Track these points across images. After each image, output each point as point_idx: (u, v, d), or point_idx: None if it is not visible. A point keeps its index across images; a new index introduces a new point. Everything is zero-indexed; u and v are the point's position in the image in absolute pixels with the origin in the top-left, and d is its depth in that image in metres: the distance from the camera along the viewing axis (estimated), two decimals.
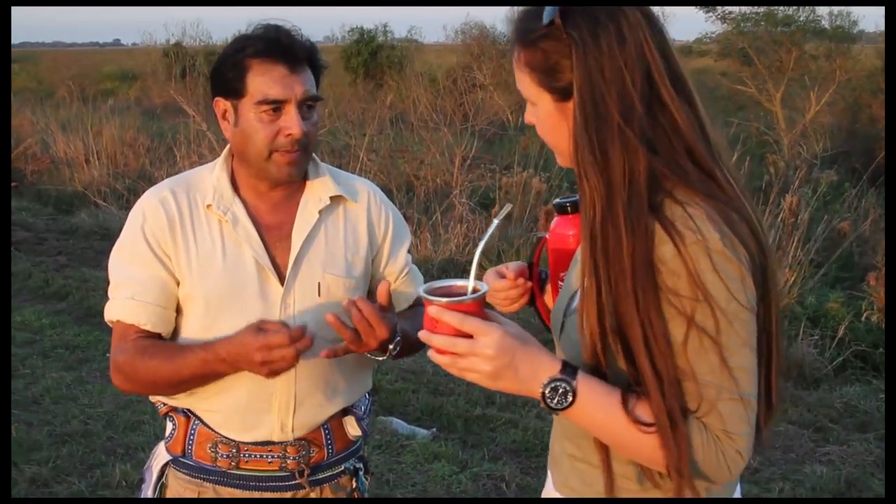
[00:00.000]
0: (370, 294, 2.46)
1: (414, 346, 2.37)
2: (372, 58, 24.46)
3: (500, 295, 2.15)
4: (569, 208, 2.05)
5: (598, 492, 1.74)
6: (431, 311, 1.60)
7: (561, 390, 1.57)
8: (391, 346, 2.22)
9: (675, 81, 1.62)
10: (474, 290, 1.62)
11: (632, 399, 1.57)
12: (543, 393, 1.57)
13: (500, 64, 19.81)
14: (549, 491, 1.93)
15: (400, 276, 2.50)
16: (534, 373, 1.58)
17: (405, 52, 24.81)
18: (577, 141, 1.61)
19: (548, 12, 1.60)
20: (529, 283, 2.16)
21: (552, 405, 1.58)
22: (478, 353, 1.56)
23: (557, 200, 2.09)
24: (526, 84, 1.69)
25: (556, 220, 2.09)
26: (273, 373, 2.08)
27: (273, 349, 2.03)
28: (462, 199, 9.61)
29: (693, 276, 1.52)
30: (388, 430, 5.31)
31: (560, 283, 1.96)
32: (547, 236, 2.11)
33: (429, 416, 5.67)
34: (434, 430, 5.43)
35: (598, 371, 1.62)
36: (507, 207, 1.83)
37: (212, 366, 2.15)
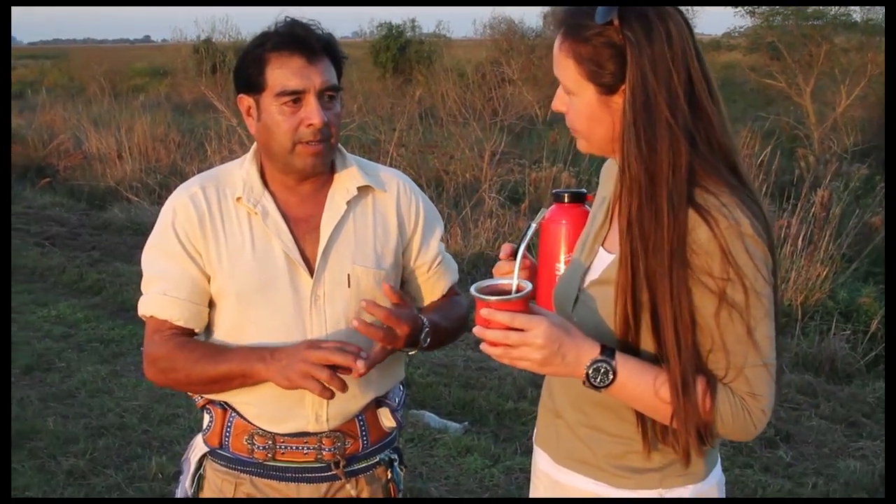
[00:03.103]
0: (403, 284, 2.48)
1: (445, 337, 2.43)
2: (401, 53, 24.48)
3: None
4: (566, 198, 2.14)
5: (601, 455, 1.92)
6: (484, 312, 1.74)
7: (603, 370, 1.75)
8: (421, 338, 2.24)
9: (708, 83, 1.78)
10: (518, 289, 1.78)
11: (660, 377, 1.75)
12: (587, 373, 1.76)
13: (529, 59, 19.81)
14: (545, 468, 2.07)
15: (432, 266, 2.50)
16: (578, 357, 1.75)
17: (434, 47, 24.75)
18: (625, 133, 1.75)
19: (604, 12, 1.73)
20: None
21: (595, 383, 1.76)
22: (529, 343, 1.72)
23: (557, 190, 2.19)
24: (570, 74, 1.81)
25: (552, 207, 2.16)
26: (297, 385, 2.11)
27: (322, 364, 2.08)
28: (491, 193, 9.60)
29: (727, 256, 1.69)
30: (420, 424, 5.31)
31: (558, 264, 2.10)
32: (542, 223, 2.17)
33: (461, 409, 5.67)
34: (466, 423, 5.43)
35: (626, 339, 1.80)
36: (543, 212, 2.07)
37: (251, 362, 2.17)
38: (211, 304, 2.33)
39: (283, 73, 2.21)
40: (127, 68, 32.54)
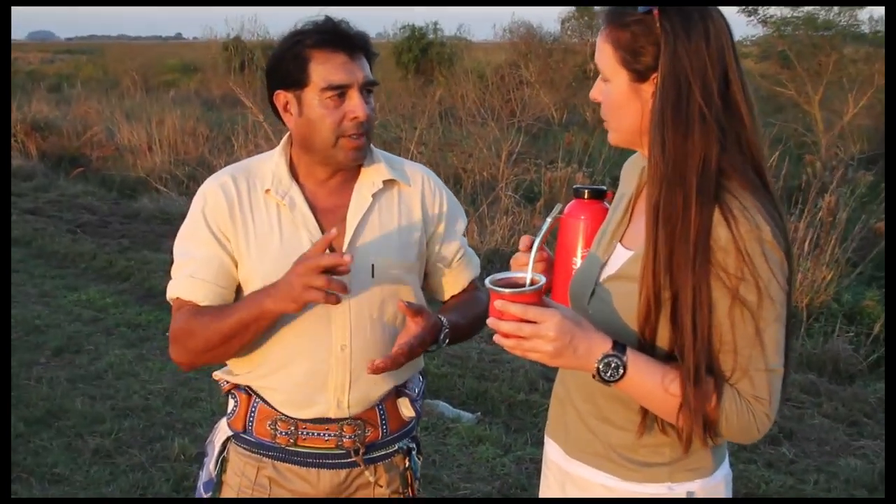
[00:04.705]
0: (426, 277, 2.48)
1: (464, 334, 2.42)
2: (422, 54, 24.45)
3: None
4: (586, 194, 2.12)
5: (610, 447, 1.91)
6: (497, 304, 1.71)
7: (613, 365, 1.73)
8: (440, 338, 2.25)
9: (743, 85, 1.76)
10: (532, 282, 1.76)
11: (669, 374, 1.73)
12: (598, 368, 1.73)
13: (547, 62, 19.77)
14: (555, 459, 2.06)
15: (454, 259, 2.49)
16: (589, 350, 1.73)
17: (454, 49, 24.73)
18: (653, 121, 1.75)
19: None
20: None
21: (606, 378, 1.74)
22: (541, 335, 1.69)
23: (578, 186, 2.15)
24: (607, 59, 1.82)
25: (572, 203, 2.13)
26: (303, 299, 2.04)
27: (318, 271, 2.01)
28: (508, 192, 9.59)
29: (743, 257, 1.68)
30: (434, 413, 5.31)
31: (575, 258, 2.08)
32: (560, 217, 2.14)
33: (474, 400, 5.66)
34: (479, 413, 5.43)
35: (644, 330, 1.78)
36: (558, 207, 2.03)
37: (258, 302, 2.13)
38: (239, 291, 2.32)
39: (327, 69, 2.20)
40: (159, 64, 32.60)
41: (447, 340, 2.27)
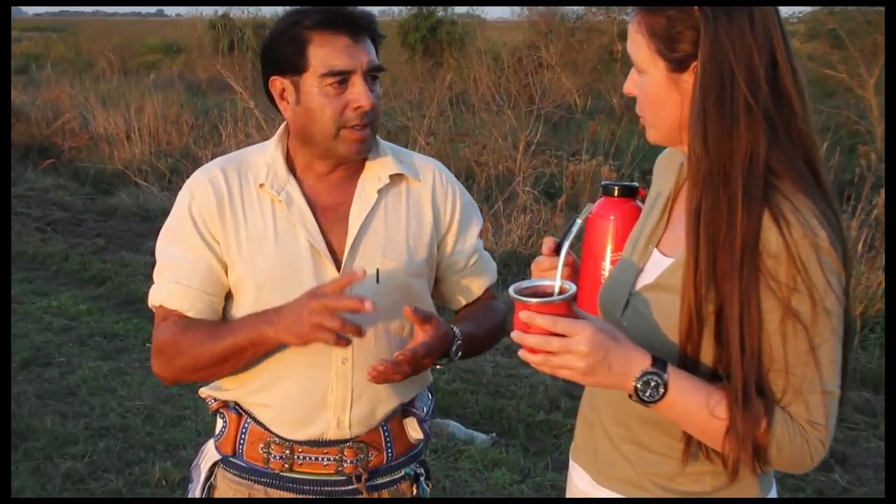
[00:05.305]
0: (437, 283, 2.47)
1: (478, 347, 2.41)
2: (431, 34, 24.39)
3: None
4: (616, 191, 2.11)
5: (645, 475, 1.89)
6: (523, 315, 1.70)
7: (653, 383, 1.71)
8: (452, 350, 2.24)
9: (794, 70, 1.74)
10: (561, 291, 1.74)
11: (715, 394, 1.71)
12: (636, 386, 1.71)
13: (569, 43, 19.72)
14: (583, 487, 2.05)
15: (468, 263, 2.48)
16: (626, 367, 1.71)
17: (467, 27, 24.68)
18: (693, 113, 1.73)
19: None
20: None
21: (644, 398, 1.72)
22: (572, 350, 1.67)
23: (606, 182, 2.16)
24: (641, 49, 1.81)
25: (600, 201, 2.13)
26: (310, 339, 2.06)
27: (331, 312, 2.02)
28: (526, 187, 9.58)
29: (796, 265, 1.66)
30: (444, 434, 5.30)
31: (604, 263, 2.07)
32: (588, 217, 2.13)
33: (488, 419, 5.65)
34: (493, 434, 5.42)
35: (686, 347, 1.76)
36: (588, 207, 2.04)
37: (258, 328, 2.13)
38: (228, 297, 2.31)
39: (328, 52, 2.19)
40: (138, 44, 32.63)
41: (460, 353, 2.26)
